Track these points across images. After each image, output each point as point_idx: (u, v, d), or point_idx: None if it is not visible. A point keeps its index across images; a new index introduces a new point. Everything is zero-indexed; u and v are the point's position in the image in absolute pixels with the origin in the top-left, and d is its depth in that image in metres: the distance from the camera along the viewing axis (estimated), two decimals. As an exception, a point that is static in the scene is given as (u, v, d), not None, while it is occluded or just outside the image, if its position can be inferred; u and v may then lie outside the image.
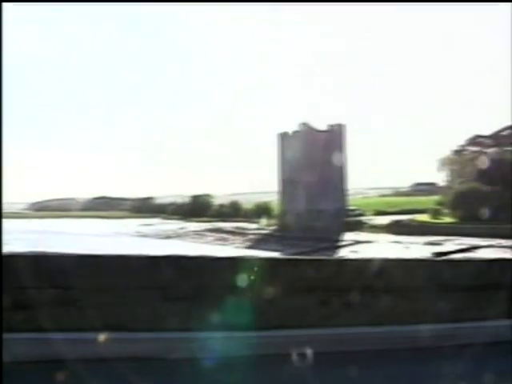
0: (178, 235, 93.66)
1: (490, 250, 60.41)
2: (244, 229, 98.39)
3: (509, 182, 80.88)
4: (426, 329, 7.77)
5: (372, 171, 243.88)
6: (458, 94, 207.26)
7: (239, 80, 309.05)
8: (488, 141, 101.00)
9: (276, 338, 7.43)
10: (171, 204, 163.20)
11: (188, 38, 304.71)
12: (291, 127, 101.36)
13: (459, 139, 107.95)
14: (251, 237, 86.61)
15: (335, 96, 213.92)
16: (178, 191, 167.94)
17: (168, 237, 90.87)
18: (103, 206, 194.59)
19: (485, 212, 78.64)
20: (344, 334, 7.67)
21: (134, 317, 7.30)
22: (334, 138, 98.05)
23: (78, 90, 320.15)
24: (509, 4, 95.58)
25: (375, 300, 7.99)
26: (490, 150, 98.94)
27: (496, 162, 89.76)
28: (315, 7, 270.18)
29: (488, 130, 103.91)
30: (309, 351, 6.96)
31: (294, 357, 6.90)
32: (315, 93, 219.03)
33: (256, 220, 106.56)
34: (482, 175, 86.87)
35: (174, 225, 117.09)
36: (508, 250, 59.51)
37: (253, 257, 10.22)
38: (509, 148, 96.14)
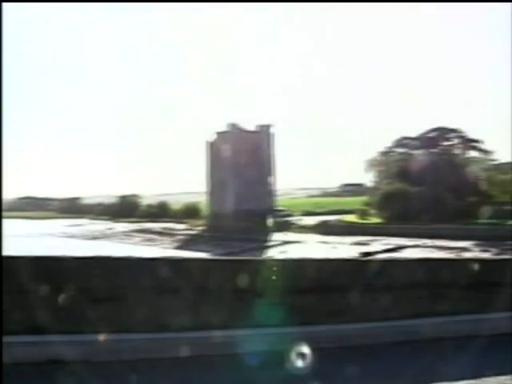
0: (105, 236, 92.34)
1: (416, 249, 61.33)
2: (172, 229, 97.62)
3: (434, 183, 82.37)
4: (351, 328, 7.73)
5: (300, 172, 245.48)
6: (386, 96, 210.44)
7: (170, 80, 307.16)
8: (414, 142, 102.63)
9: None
10: (99, 204, 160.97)
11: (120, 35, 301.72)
12: (220, 128, 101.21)
13: (386, 140, 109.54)
14: (179, 237, 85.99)
15: (264, 96, 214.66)
16: (106, 191, 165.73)
17: (95, 238, 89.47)
18: (29, 206, 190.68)
19: (411, 212, 79.87)
20: (272, 333, 7.52)
21: (56, 319, 6.99)
22: (262, 139, 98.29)
23: None
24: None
25: (298, 300, 7.90)
26: (417, 152, 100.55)
27: (422, 164, 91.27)
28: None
29: (414, 131, 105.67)
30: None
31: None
32: (244, 93, 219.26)
33: (185, 221, 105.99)
34: (409, 176, 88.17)
35: (101, 225, 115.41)
36: (433, 250, 60.57)
37: (180, 258, 10.07)
38: (434, 150, 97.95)
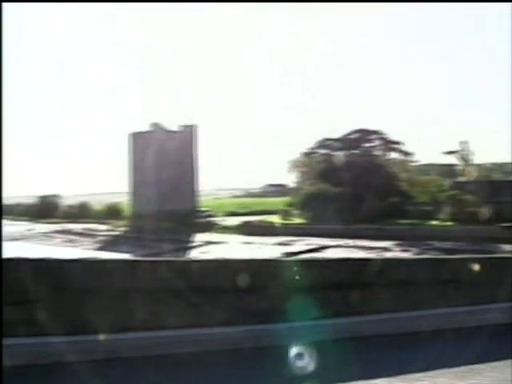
0: (24, 237, 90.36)
1: (338, 249, 61.96)
2: (94, 230, 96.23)
3: (356, 184, 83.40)
4: (273, 328, 7.64)
5: (224, 172, 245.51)
6: (310, 97, 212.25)
7: (92, 78, 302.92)
8: (336, 144, 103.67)
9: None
10: (18, 205, 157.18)
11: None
12: (143, 127, 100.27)
13: (309, 142, 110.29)
14: (101, 238, 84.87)
15: (188, 96, 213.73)
16: (25, 192, 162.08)
17: (14, 239, 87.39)
18: None
19: (333, 213, 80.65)
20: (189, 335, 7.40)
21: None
22: (185, 139, 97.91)
23: None
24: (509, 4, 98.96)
25: (216, 301, 7.81)
26: (339, 153, 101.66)
27: (344, 165, 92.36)
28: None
29: (337, 133, 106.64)
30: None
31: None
32: (169, 93, 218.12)
33: (107, 221, 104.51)
34: (331, 177, 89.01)
35: (20, 226, 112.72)
36: (355, 250, 61.31)
37: (101, 259, 9.85)
38: (356, 151, 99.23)
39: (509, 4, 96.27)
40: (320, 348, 7.18)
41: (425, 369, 6.61)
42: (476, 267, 10.02)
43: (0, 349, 6.42)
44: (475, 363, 6.88)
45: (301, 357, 7.02)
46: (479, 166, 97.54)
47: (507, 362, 6.93)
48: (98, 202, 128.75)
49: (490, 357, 7.09)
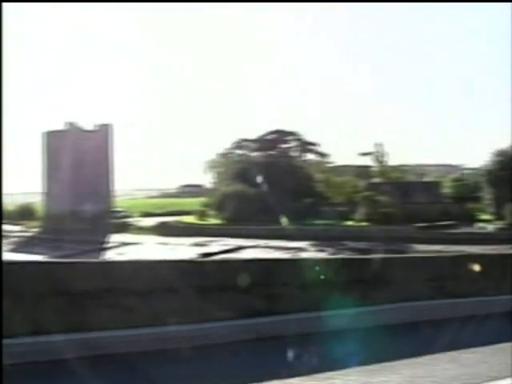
0: None
1: (254, 250, 62.13)
2: (6, 231, 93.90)
3: (272, 185, 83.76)
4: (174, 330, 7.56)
5: (140, 172, 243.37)
6: (226, 97, 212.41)
7: (13, 77, 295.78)
8: (253, 144, 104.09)
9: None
10: None
11: None
12: (57, 126, 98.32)
13: (226, 142, 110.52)
14: (13, 240, 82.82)
15: (104, 96, 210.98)
16: None
17: None
18: None
19: (249, 213, 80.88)
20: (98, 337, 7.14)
21: None
22: (100, 139, 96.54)
23: None
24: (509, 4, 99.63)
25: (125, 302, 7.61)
26: (255, 154, 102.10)
27: (260, 165, 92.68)
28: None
29: (253, 133, 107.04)
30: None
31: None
32: (84, 92, 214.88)
33: (20, 222, 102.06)
34: (247, 178, 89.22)
35: None
36: (271, 250, 61.61)
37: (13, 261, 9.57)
38: (273, 152, 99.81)
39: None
40: (226, 349, 7.14)
41: (336, 367, 6.63)
42: (389, 266, 10.17)
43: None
44: (387, 361, 6.95)
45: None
46: (393, 167, 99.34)
47: (418, 360, 7.04)
48: (10, 203, 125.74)
49: (400, 354, 7.18)
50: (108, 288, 7.61)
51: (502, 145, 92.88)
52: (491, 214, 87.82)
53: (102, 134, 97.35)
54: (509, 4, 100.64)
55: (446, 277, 10.66)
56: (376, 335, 8.13)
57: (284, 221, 74.35)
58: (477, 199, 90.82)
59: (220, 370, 6.87)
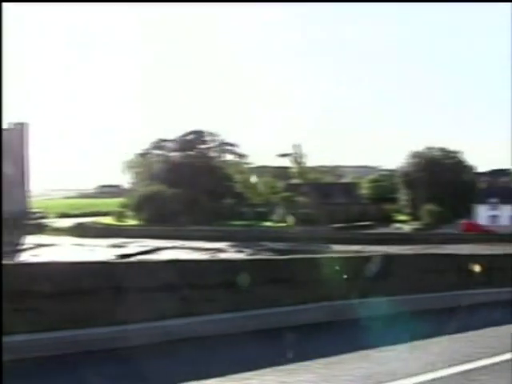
0: None
1: (173, 251, 61.83)
2: None
3: (191, 185, 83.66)
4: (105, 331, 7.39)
5: (56, 172, 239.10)
6: (144, 96, 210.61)
7: None
8: (172, 145, 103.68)
9: None
10: None
11: None
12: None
13: (144, 142, 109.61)
14: None
15: (20, 94, 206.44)
16: None
17: None
18: None
19: (168, 214, 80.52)
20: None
21: None
22: (14, 137, 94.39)
23: None
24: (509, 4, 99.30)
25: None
26: (174, 154, 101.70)
27: (179, 166, 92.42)
28: None
29: (172, 133, 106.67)
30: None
31: None
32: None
33: None
34: (166, 178, 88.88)
35: None
36: (190, 251, 61.43)
37: None
38: (192, 152, 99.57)
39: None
40: (141, 352, 7.02)
41: (253, 367, 6.59)
42: (308, 267, 10.18)
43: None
44: (303, 360, 6.95)
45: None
46: (312, 168, 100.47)
47: (333, 359, 7.08)
48: None
49: (317, 354, 7.21)
50: (19, 291, 7.35)
51: (419, 147, 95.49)
52: (408, 214, 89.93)
53: (16, 132, 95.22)
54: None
55: (361, 277, 10.71)
56: (290, 335, 8.10)
57: (202, 221, 74.37)
58: (394, 200, 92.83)
59: (135, 372, 6.72)
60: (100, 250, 63.26)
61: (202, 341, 7.82)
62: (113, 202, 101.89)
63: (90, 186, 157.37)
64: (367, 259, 11.58)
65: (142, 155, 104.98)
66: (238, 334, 8.19)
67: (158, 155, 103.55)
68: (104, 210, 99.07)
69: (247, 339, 8.02)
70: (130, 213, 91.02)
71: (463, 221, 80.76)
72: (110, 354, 7.09)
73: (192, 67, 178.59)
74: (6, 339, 6.77)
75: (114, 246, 67.86)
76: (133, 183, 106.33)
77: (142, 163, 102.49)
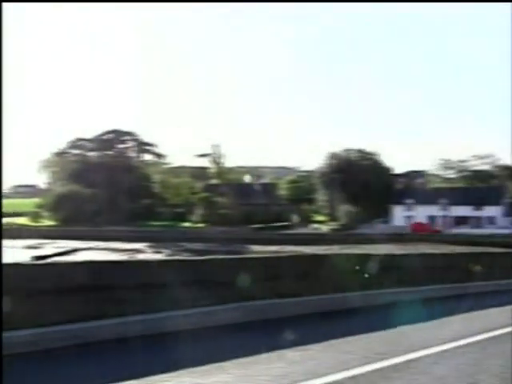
0: None
1: (89, 252, 61.02)
2: None
3: (109, 185, 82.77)
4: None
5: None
6: (64, 94, 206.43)
7: None
8: (89, 144, 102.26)
9: None
10: None
11: None
12: None
13: (61, 141, 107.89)
14: None
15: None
16: None
17: None
18: None
19: (85, 215, 79.46)
20: None
21: None
22: None
23: None
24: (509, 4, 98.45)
25: None
26: (92, 154, 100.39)
27: (96, 166, 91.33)
28: None
29: (90, 133, 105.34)
30: None
31: None
32: None
33: None
34: (83, 178, 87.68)
35: None
36: (108, 252, 60.72)
37: None
38: (110, 152, 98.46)
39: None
40: (53, 355, 6.95)
41: (169, 369, 6.58)
42: (226, 268, 10.23)
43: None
44: (218, 361, 6.98)
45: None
46: (231, 168, 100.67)
47: (248, 359, 7.11)
48: None
49: (232, 354, 7.24)
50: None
51: (336, 148, 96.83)
52: (325, 215, 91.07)
53: None
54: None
55: (279, 277, 10.80)
56: (209, 336, 8.13)
57: (120, 222, 73.68)
58: (312, 201, 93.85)
59: (52, 375, 6.64)
60: (14, 252, 61.87)
61: (115, 344, 7.76)
62: (28, 203, 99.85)
63: (5, 185, 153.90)
64: (286, 259, 11.73)
65: (59, 154, 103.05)
66: (153, 335, 8.13)
67: (75, 154, 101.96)
68: (20, 210, 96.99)
69: (163, 341, 7.99)
70: (46, 213, 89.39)
71: (414, 222, 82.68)
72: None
73: (111, 65, 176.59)
74: None
75: (30, 247, 66.46)
76: (49, 183, 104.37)
77: (59, 163, 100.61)
